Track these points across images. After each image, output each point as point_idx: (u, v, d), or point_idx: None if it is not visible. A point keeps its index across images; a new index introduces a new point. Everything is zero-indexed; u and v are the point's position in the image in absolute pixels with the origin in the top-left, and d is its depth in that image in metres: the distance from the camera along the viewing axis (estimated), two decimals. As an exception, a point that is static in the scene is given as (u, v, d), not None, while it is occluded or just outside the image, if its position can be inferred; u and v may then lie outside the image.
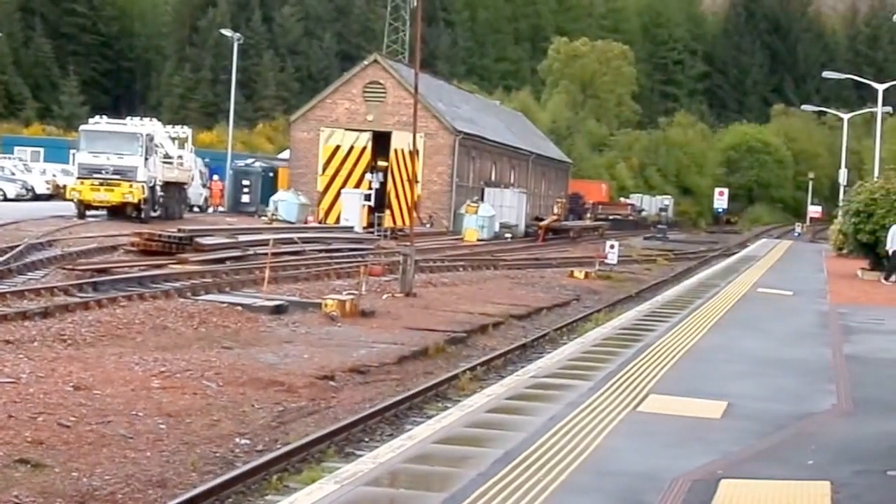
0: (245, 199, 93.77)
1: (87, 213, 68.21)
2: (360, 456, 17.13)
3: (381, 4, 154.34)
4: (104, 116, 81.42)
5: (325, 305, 36.73)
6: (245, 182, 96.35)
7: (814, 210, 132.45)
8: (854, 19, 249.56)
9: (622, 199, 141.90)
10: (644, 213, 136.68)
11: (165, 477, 18.14)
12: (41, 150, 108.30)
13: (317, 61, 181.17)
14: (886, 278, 50.63)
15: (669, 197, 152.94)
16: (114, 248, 49.71)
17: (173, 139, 78.96)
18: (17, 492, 16.68)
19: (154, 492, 17.18)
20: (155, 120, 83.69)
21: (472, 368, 28.91)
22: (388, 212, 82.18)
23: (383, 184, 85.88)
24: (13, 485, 16.96)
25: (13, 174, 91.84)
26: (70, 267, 43.63)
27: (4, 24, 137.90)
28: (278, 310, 36.02)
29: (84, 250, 48.56)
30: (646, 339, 28.39)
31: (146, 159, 70.73)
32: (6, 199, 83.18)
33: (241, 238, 56.95)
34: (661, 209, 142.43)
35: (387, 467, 14.76)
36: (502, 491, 13.33)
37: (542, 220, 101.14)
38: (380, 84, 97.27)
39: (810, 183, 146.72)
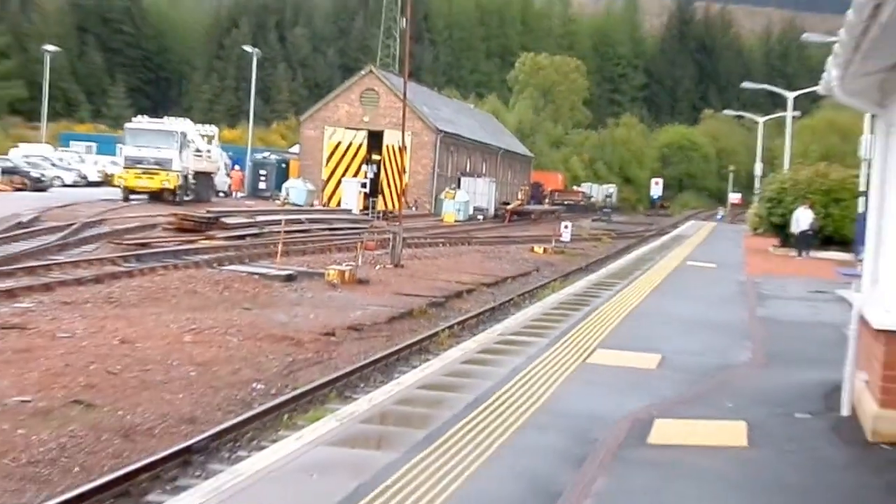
0: (262, 186, 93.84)
1: (131, 197, 68.18)
2: (357, 399, 17.16)
3: (376, 25, 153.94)
4: (145, 116, 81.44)
5: (328, 274, 36.73)
6: (262, 172, 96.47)
7: (734, 197, 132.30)
8: (768, 39, 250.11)
9: (575, 188, 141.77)
10: (593, 199, 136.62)
11: (195, 415, 18.16)
12: (93, 144, 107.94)
13: (322, 72, 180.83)
14: (798, 254, 50.85)
15: (614, 185, 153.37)
16: (153, 226, 49.62)
17: (203, 136, 78.92)
18: (73, 427, 16.68)
19: (185, 427, 17.19)
20: (187, 120, 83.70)
21: (450, 327, 28.91)
22: (380, 197, 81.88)
23: (377, 174, 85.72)
24: (69, 421, 16.96)
25: (70, 164, 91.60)
26: (117, 241, 43.56)
27: (63, 41, 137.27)
28: (289, 278, 35.97)
29: (128, 228, 48.51)
30: (594, 303, 28.44)
31: (180, 152, 70.88)
32: (64, 185, 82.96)
33: (259, 218, 56.80)
34: (606, 196, 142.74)
35: (378, 408, 14.80)
36: (473, 429, 13.36)
37: (508, 204, 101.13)
38: (374, 91, 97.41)
39: (731, 174, 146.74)
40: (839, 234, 51.87)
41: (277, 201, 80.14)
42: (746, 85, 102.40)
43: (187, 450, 15.51)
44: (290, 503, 10.13)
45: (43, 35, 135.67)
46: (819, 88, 16.49)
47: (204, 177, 76.14)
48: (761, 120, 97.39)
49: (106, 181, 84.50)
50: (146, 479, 14.22)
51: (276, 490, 10.60)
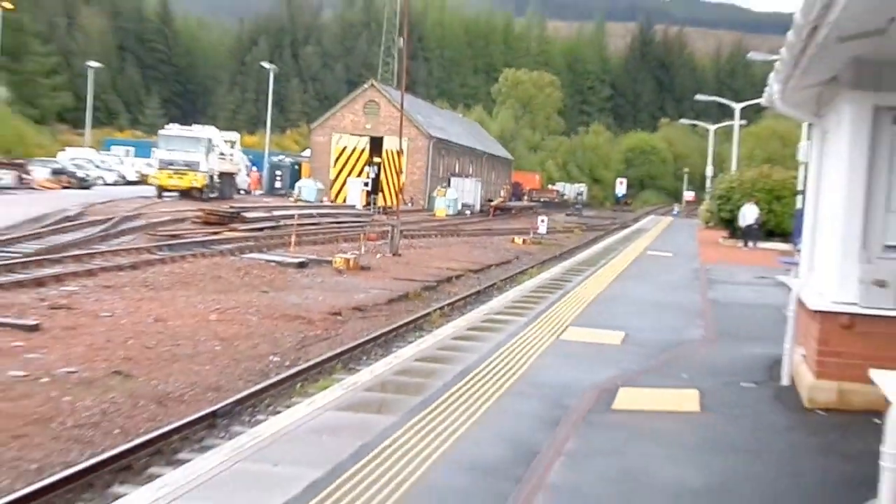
0: (278, 185, 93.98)
1: (164, 194, 68.26)
2: (360, 370, 17.17)
3: (377, 45, 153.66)
4: (176, 124, 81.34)
5: (335, 262, 36.74)
6: (278, 172, 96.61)
7: (688, 195, 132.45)
8: (718, 57, 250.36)
9: (550, 186, 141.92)
10: (565, 197, 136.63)
11: (220, 384, 18.17)
12: (131, 148, 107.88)
13: (330, 86, 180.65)
14: (745, 245, 50.99)
15: (584, 185, 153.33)
16: (183, 219, 49.59)
17: (226, 141, 78.95)
18: (113, 395, 16.69)
19: (211, 395, 17.21)
20: (213, 127, 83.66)
21: (441, 308, 28.90)
22: (380, 194, 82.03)
23: (377, 174, 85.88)
24: (110, 390, 16.97)
25: (111, 166, 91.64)
26: (151, 233, 43.54)
27: (105, 58, 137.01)
28: (301, 265, 35.96)
29: (162, 221, 48.48)
30: (566, 287, 28.43)
31: (207, 156, 71.02)
32: (106, 184, 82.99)
33: (275, 213, 56.93)
34: (577, 194, 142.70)
35: (379, 378, 14.80)
36: (461, 396, 13.38)
37: (492, 201, 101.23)
38: (375, 102, 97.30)
39: (685, 175, 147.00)
40: (780, 227, 52.04)
41: (291, 198, 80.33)
42: (699, 97, 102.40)
43: (213, 414, 15.56)
44: (303, 460, 10.13)
45: (87, 53, 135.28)
46: (762, 100, 16.51)
47: (227, 177, 76.21)
48: (712, 128, 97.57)
49: (142, 181, 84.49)
50: (177, 440, 14.26)
51: (290, 449, 10.62)
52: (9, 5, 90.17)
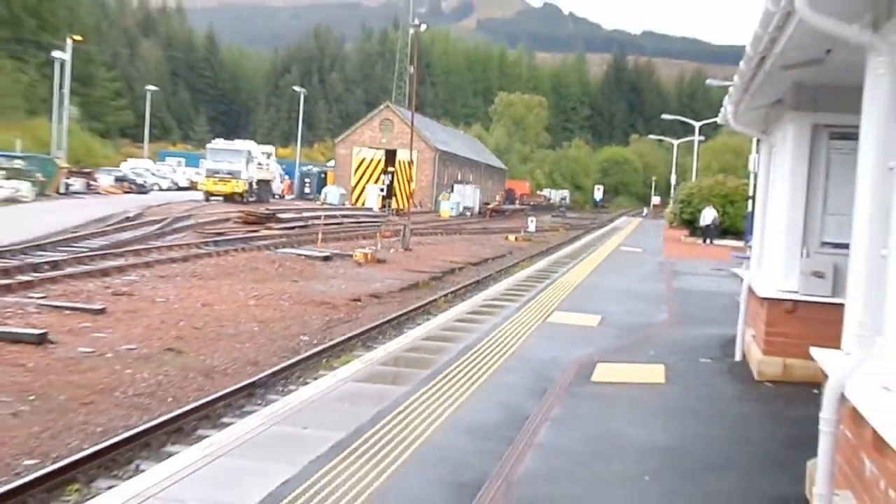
0: (307, 190, 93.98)
1: (210, 198, 68.20)
2: (377, 347, 17.17)
3: (391, 71, 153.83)
4: (221, 139, 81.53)
5: (355, 256, 36.72)
6: (307, 180, 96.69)
7: (655, 199, 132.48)
8: (681, 83, 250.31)
9: (538, 192, 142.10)
10: (551, 201, 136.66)
11: (258, 359, 18.17)
12: (183, 159, 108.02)
13: (352, 106, 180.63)
14: (704, 242, 51.05)
15: (567, 191, 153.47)
16: (226, 220, 49.58)
17: (263, 153, 78.87)
18: (167, 368, 16.70)
19: (251, 368, 17.21)
20: (252, 141, 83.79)
21: (445, 295, 28.88)
22: (394, 198, 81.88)
23: (391, 181, 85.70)
24: (164, 364, 16.98)
25: (165, 174, 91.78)
26: (200, 231, 43.54)
27: (161, 83, 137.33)
28: (326, 258, 35.94)
29: (208, 221, 48.49)
30: (552, 277, 28.44)
31: (247, 166, 71.03)
32: (161, 190, 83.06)
33: (304, 214, 56.93)
34: (561, 198, 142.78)
35: (392, 354, 14.83)
36: (462, 369, 13.41)
37: (489, 204, 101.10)
38: (390, 120, 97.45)
39: (653, 183, 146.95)
40: (733, 227, 52.16)
41: (318, 202, 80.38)
42: (665, 116, 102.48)
43: (252, 385, 15.56)
44: (328, 424, 10.15)
45: (145, 79, 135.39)
46: (718, 119, 16.52)
47: (264, 184, 76.17)
48: (676, 142, 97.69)
49: (192, 187, 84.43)
50: (221, 407, 14.26)
51: (317, 414, 10.63)
52: (79, 38, 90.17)
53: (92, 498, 8.74)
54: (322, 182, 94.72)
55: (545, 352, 15.27)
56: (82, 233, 38.67)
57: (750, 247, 19.57)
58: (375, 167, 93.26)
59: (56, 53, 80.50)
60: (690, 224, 56.58)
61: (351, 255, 37.03)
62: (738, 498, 8.33)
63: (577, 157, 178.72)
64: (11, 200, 54.03)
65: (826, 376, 6.96)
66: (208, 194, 69.43)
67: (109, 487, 9.38)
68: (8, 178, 57.18)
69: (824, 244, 12.74)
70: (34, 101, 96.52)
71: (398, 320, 23.42)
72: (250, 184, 71.39)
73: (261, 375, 16.22)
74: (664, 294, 25.46)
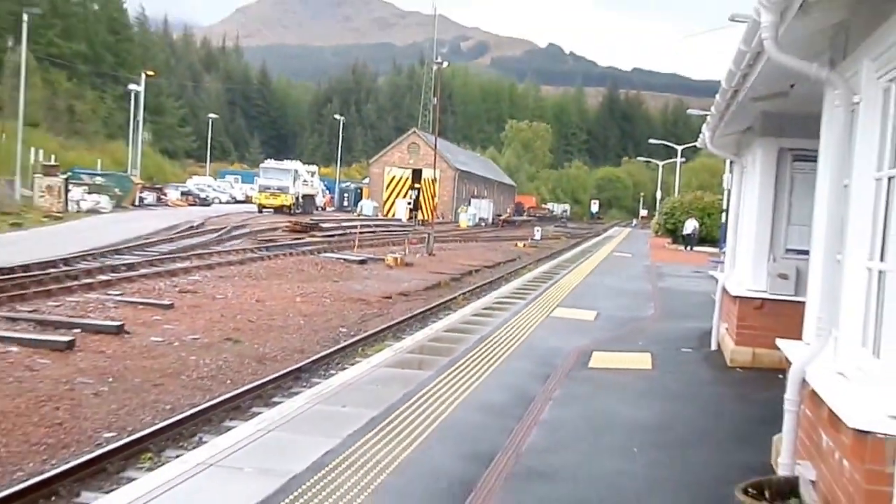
0: (345, 203, 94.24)
1: (263, 210, 68.38)
2: (405, 338, 17.19)
3: (418, 102, 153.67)
4: (272, 159, 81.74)
5: (386, 259, 36.75)
6: (345, 195, 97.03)
7: (643, 212, 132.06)
8: (666, 112, 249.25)
9: (543, 205, 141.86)
10: (554, 213, 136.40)
11: (304, 347, 18.22)
12: (239, 177, 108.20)
13: (384, 132, 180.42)
14: (685, 248, 50.94)
15: (567, 204, 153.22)
16: (276, 228, 49.70)
17: (308, 172, 79.13)
18: (225, 355, 16.77)
19: (298, 355, 17.25)
20: (298, 161, 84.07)
21: (464, 293, 28.84)
22: (420, 211, 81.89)
23: (417, 196, 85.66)
24: (223, 352, 17.05)
25: (224, 190, 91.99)
26: (253, 238, 43.68)
27: (220, 111, 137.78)
28: (362, 262, 35.97)
29: (261, 230, 48.63)
30: (555, 278, 28.44)
31: (294, 182, 71.32)
32: (220, 203, 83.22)
33: (343, 224, 57.11)
34: (563, 211, 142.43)
35: (418, 343, 14.87)
36: (477, 356, 13.43)
37: (501, 216, 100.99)
38: (416, 144, 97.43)
39: (641, 197, 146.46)
40: (710, 236, 51.97)
41: (354, 214, 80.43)
42: (652, 141, 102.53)
43: (298, 370, 15.61)
44: (364, 403, 10.18)
45: (208, 108, 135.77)
46: (698, 143, 16.54)
47: (308, 198, 76.37)
48: (661, 163, 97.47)
49: (247, 200, 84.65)
50: (272, 388, 14.30)
51: (354, 394, 10.67)
52: (151, 73, 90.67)
53: (162, 465, 8.79)
54: (358, 196, 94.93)
55: (548, 342, 15.28)
56: (154, 239, 38.83)
57: (724, 253, 19.55)
58: (404, 184, 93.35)
59: (132, 86, 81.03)
60: (673, 233, 56.57)
61: (383, 259, 37.06)
62: (714, 467, 8.33)
63: (576, 176, 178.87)
64: (93, 211, 54.37)
65: (789, 363, 6.98)
66: (261, 207, 69.64)
67: (177, 456, 9.44)
68: (90, 193, 57.49)
69: (788, 250, 12.75)
70: (112, 126, 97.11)
71: (423, 315, 23.43)
72: (297, 198, 71.62)
73: (305, 361, 16.28)
74: (651, 293, 25.44)
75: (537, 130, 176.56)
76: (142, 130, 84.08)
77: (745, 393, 11.62)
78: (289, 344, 18.58)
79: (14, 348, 15.72)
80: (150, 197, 70.99)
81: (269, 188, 70.50)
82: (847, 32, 6.74)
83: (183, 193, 79.63)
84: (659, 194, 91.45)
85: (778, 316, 11.85)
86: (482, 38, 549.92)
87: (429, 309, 24.49)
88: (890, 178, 5.59)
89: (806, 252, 9.35)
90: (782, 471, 6.90)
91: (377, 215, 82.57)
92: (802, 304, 7.74)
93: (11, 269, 24.51)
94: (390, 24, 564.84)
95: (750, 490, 5.89)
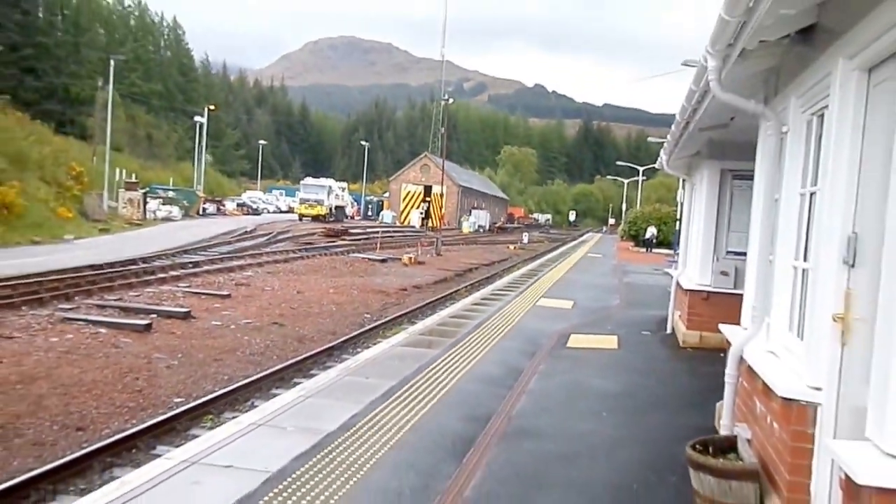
0: (370, 214, 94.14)
1: (302, 219, 68.36)
2: (417, 322, 17.20)
3: (429, 131, 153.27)
4: (310, 177, 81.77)
5: (402, 259, 36.75)
6: (370, 206, 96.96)
7: (611, 221, 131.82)
8: (630, 140, 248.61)
9: (530, 215, 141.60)
10: (539, 221, 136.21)
11: (336, 330, 18.24)
12: (283, 191, 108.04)
13: (401, 155, 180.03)
14: (646, 251, 50.82)
15: (550, 214, 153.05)
16: (313, 233, 49.74)
17: (340, 187, 79.06)
18: (272, 336, 16.81)
19: (330, 336, 17.27)
20: (332, 179, 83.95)
21: (466, 286, 28.88)
22: (430, 219, 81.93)
23: (428, 208, 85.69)
24: (270, 333, 17.09)
25: (272, 202, 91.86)
26: (295, 241, 43.72)
27: (268, 137, 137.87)
28: (383, 261, 35.98)
29: (301, 234, 48.65)
30: (539, 274, 28.40)
31: (328, 196, 71.28)
32: (269, 212, 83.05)
33: (368, 230, 57.06)
34: (546, 220, 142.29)
35: (428, 326, 14.85)
36: (476, 338, 13.42)
37: (496, 223, 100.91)
38: (427, 165, 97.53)
39: (610, 209, 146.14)
40: (666, 240, 51.78)
41: (377, 222, 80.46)
42: (619, 163, 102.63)
43: (331, 348, 15.63)
44: (383, 375, 10.19)
45: (258, 135, 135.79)
46: (656, 165, 16.52)
47: (340, 209, 76.30)
48: (626, 181, 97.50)
49: (290, 211, 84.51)
50: (310, 363, 14.33)
51: (376, 367, 10.67)
52: (213, 107, 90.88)
53: (221, 425, 8.81)
54: (380, 208, 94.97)
55: (534, 326, 15.26)
56: (214, 242, 38.93)
57: (677, 254, 19.52)
58: (417, 197, 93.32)
59: (197, 118, 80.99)
60: (636, 238, 56.41)
61: (400, 259, 37.07)
62: (668, 428, 8.32)
63: (557, 191, 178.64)
64: (166, 219, 54.60)
65: (730, 344, 6.97)
66: (301, 216, 69.59)
67: (233, 418, 9.45)
68: (164, 204, 57.83)
69: (729, 252, 12.74)
70: (182, 151, 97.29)
71: (433, 304, 23.45)
72: (330, 209, 71.58)
73: (337, 341, 16.30)
74: (617, 286, 25.40)
75: (525, 154, 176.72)
76: (205, 154, 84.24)
77: (694, 368, 11.61)
78: (323, 327, 18.60)
79: (103, 330, 15.79)
80: (211, 208, 71.04)
81: (307, 201, 70.48)
82: (777, 75, 6.75)
83: (238, 205, 79.61)
84: (624, 206, 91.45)
85: (721, 306, 11.83)
86: (481, 79, 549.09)
87: (437, 299, 24.53)
88: (812, 194, 5.59)
89: (743, 253, 9.35)
90: (724, 431, 6.90)
91: (395, 223, 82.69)
92: (740, 296, 7.73)
93: (101, 266, 24.65)
94: (406, 68, 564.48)
95: (697, 446, 5.89)
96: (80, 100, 76.26)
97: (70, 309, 17.73)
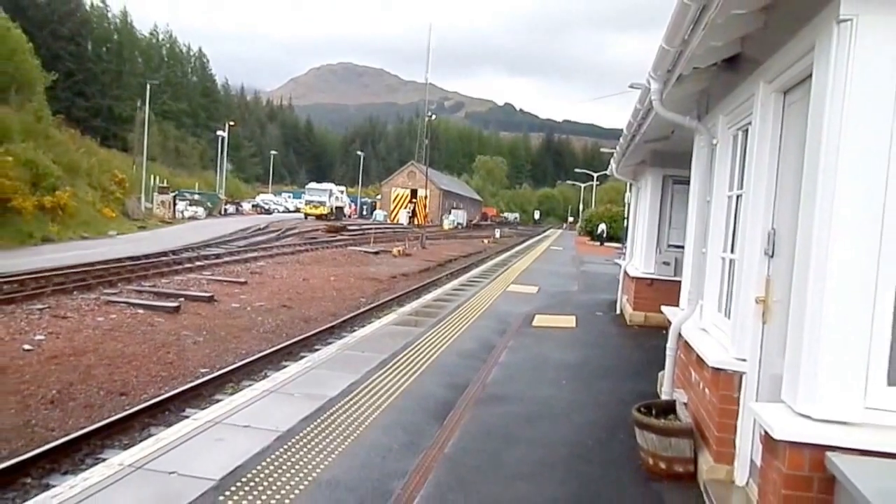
0: (364, 213, 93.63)
1: (307, 218, 67.97)
2: (405, 305, 17.18)
3: (415, 142, 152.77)
4: (314, 182, 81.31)
5: (392, 251, 36.60)
6: (364, 206, 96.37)
7: (570, 219, 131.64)
8: (586, 150, 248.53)
9: (501, 214, 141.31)
10: (509, 220, 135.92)
11: (335, 312, 18.16)
12: (291, 194, 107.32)
13: (391, 163, 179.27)
14: (599, 244, 50.90)
15: (518, 213, 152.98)
16: (316, 230, 49.45)
17: (339, 190, 78.67)
18: (282, 317, 16.71)
19: (331, 317, 17.17)
20: (332, 183, 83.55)
21: (446, 275, 28.82)
22: (416, 218, 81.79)
23: (414, 208, 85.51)
24: (280, 315, 16.99)
25: (281, 203, 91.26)
26: (301, 236, 43.49)
27: (279, 149, 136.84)
28: (376, 253, 35.75)
29: (306, 231, 48.37)
30: (509, 264, 28.43)
31: (329, 198, 70.89)
32: (279, 212, 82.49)
33: (363, 227, 56.84)
34: (514, 218, 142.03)
35: (414, 308, 14.82)
36: (455, 318, 13.41)
37: (472, 221, 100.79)
38: (413, 172, 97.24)
39: (569, 209, 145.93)
40: (616, 235, 51.90)
41: (371, 220, 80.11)
42: (577, 170, 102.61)
43: (332, 327, 15.56)
44: (376, 349, 10.18)
45: (270, 146, 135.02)
46: (608, 172, 16.56)
47: (339, 209, 75.78)
48: (583, 185, 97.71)
49: (297, 211, 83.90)
50: (314, 339, 14.27)
51: (370, 344, 10.66)
52: (232, 123, 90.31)
53: (240, 391, 8.78)
54: (373, 208, 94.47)
55: (505, 308, 15.28)
56: (233, 237, 38.74)
57: (625, 247, 19.60)
58: (405, 199, 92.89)
59: (219, 132, 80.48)
60: (591, 233, 56.48)
61: (390, 251, 36.96)
62: (617, 393, 8.37)
63: (524, 194, 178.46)
64: (193, 218, 54.40)
65: (670, 323, 7.01)
66: (306, 215, 69.13)
67: (249, 385, 9.42)
68: (191, 206, 57.70)
69: (669, 245, 12.79)
70: (205, 160, 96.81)
71: (418, 289, 23.40)
72: (331, 209, 71.14)
73: (337, 321, 16.23)
74: (575, 274, 25.46)
75: (497, 163, 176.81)
76: (225, 163, 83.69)
77: (640, 343, 11.67)
78: (325, 309, 18.53)
79: (140, 311, 15.70)
80: (231, 208, 70.75)
81: (312, 202, 70.04)
82: (708, 96, 6.78)
83: (253, 206, 79.12)
84: (581, 206, 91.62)
85: (662, 290, 11.90)
86: (459, 99, 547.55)
87: (422, 285, 24.50)
88: (738, 196, 5.63)
89: (681, 246, 9.40)
90: (664, 396, 6.95)
91: (386, 221, 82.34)
92: (679, 282, 7.77)
93: (138, 258, 24.52)
94: (396, 89, 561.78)
95: (642, 409, 5.93)
96: (121, 118, 76.30)
97: (113, 293, 17.61)
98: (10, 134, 35.99)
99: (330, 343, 13.00)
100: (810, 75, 3.85)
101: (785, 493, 3.42)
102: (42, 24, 68.58)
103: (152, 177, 57.46)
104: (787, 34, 4.24)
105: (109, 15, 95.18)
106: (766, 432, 3.59)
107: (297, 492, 5.18)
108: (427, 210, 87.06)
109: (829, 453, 3.32)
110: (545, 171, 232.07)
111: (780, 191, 4.73)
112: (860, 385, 3.47)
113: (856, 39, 3.43)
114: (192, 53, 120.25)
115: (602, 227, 52.76)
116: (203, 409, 8.22)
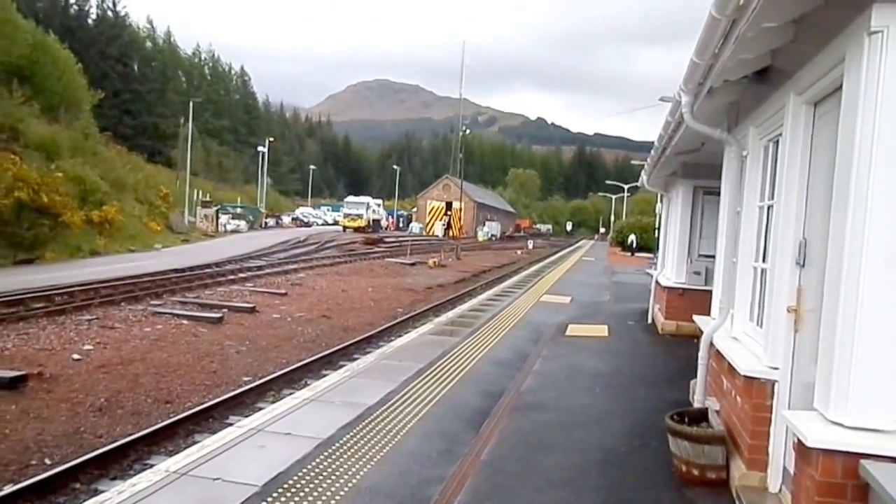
0: (401, 225, 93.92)
1: (345, 230, 68.42)
2: (441, 315, 17.20)
3: (450, 157, 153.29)
4: (352, 195, 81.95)
5: (428, 263, 36.64)
6: (401, 219, 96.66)
7: (602, 230, 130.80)
8: (617, 162, 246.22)
9: (534, 226, 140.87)
10: (542, 231, 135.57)
11: (373, 322, 18.22)
12: (330, 207, 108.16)
13: (426, 177, 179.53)
14: (631, 255, 50.48)
15: (550, 225, 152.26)
16: (354, 242, 49.78)
17: (376, 203, 79.11)
18: (322, 327, 16.82)
19: (369, 327, 17.23)
20: (369, 197, 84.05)
21: (481, 285, 28.77)
22: (451, 230, 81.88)
23: (449, 220, 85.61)
24: (320, 324, 17.10)
25: (321, 216, 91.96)
26: (340, 248, 43.79)
27: (317, 164, 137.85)
28: (412, 264, 35.84)
29: (344, 243, 48.67)
30: (542, 275, 28.34)
31: (367, 211, 71.26)
32: (318, 225, 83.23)
33: (399, 239, 57.04)
34: (548, 229, 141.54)
35: (450, 318, 14.84)
36: (490, 328, 13.40)
37: (506, 233, 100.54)
38: (449, 185, 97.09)
39: (601, 220, 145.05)
40: (647, 245, 51.39)
41: (407, 232, 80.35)
42: (608, 182, 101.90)
43: (370, 336, 15.62)
44: (413, 359, 10.21)
45: (309, 161, 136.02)
46: (638, 184, 16.46)
47: (376, 221, 76.18)
48: (614, 197, 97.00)
49: (335, 223, 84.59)
50: (352, 349, 14.34)
51: (407, 353, 10.69)
52: (273, 139, 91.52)
53: (281, 399, 8.87)
54: (409, 221, 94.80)
55: (538, 318, 15.22)
56: (274, 250, 39.11)
57: (656, 257, 19.42)
58: (440, 212, 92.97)
59: (259, 148, 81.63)
60: (622, 244, 56.08)
61: (426, 263, 37.03)
62: (650, 401, 8.29)
63: (556, 206, 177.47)
64: (235, 231, 55.05)
65: (701, 332, 6.94)
66: (345, 227, 69.56)
67: (290, 394, 9.51)
68: (233, 219, 58.39)
69: (700, 255, 12.66)
70: (247, 175, 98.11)
71: (453, 300, 23.40)
72: (369, 221, 71.52)
73: (374, 331, 16.30)
74: (607, 284, 25.27)
75: (530, 176, 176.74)
76: (266, 177, 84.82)
77: (672, 352, 11.54)
78: (363, 319, 18.62)
79: (185, 322, 15.92)
80: (272, 221, 71.52)
81: (349, 215, 70.48)
82: (738, 108, 6.73)
83: (293, 219, 79.85)
84: (613, 218, 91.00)
85: (693, 300, 11.77)
86: (493, 113, 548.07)
87: (457, 296, 24.49)
88: (769, 206, 5.58)
89: (712, 256, 9.30)
90: (696, 404, 6.87)
91: (422, 233, 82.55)
92: (710, 291, 7.70)
93: (183, 270, 24.88)
94: (430, 105, 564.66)
95: (675, 416, 5.88)
96: (166, 135, 77.81)
97: (159, 304, 17.90)
98: (60, 151, 36.89)
99: (368, 353, 13.07)
100: (840, 87, 3.82)
101: (818, 500, 3.37)
102: (90, 45, 70.23)
103: (196, 191, 58.35)
104: (818, 46, 4.20)
105: (155, 35, 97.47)
106: (798, 440, 3.55)
107: (337, 498, 5.22)
108: (462, 222, 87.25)
109: (863, 461, 3.27)
110: (577, 184, 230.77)
111: (811, 201, 4.68)
112: (893, 393, 3.41)
113: (887, 51, 3.40)
114: (234, 72, 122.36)
115: (632, 237, 52.36)
116: (246, 416, 8.32)
